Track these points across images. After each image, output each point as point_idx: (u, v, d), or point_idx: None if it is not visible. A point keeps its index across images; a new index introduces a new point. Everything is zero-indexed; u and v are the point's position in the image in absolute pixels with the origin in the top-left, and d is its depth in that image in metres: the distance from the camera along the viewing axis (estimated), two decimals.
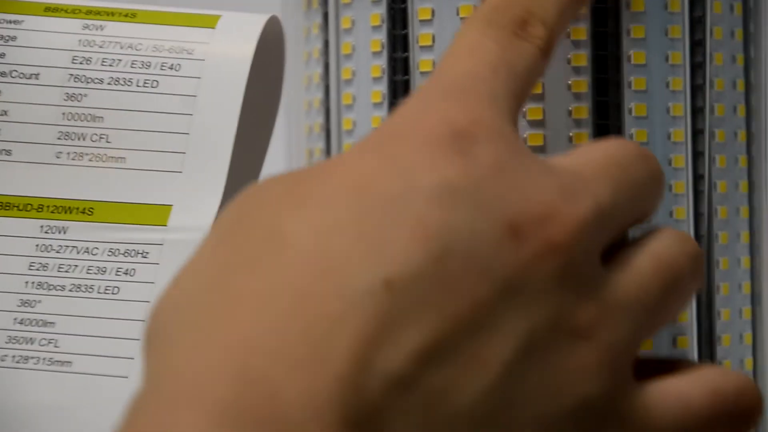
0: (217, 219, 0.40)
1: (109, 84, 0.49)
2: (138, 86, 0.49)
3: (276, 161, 0.56)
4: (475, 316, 0.35)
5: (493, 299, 0.36)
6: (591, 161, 0.40)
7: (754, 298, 0.54)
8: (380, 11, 0.51)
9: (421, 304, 0.35)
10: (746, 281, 0.54)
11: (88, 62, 0.49)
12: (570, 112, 0.49)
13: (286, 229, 0.36)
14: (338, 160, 0.39)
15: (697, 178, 0.52)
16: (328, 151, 0.54)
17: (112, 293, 0.47)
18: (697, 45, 0.51)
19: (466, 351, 0.36)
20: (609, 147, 0.42)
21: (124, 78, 0.49)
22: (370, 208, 0.36)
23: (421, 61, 0.51)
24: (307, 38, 0.55)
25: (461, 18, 0.50)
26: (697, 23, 0.51)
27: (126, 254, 0.48)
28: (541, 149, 0.48)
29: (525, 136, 0.49)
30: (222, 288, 0.36)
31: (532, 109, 0.49)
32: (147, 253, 0.48)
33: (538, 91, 0.49)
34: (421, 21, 0.52)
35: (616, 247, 0.41)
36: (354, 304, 0.35)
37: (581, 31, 0.49)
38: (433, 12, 0.51)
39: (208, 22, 0.50)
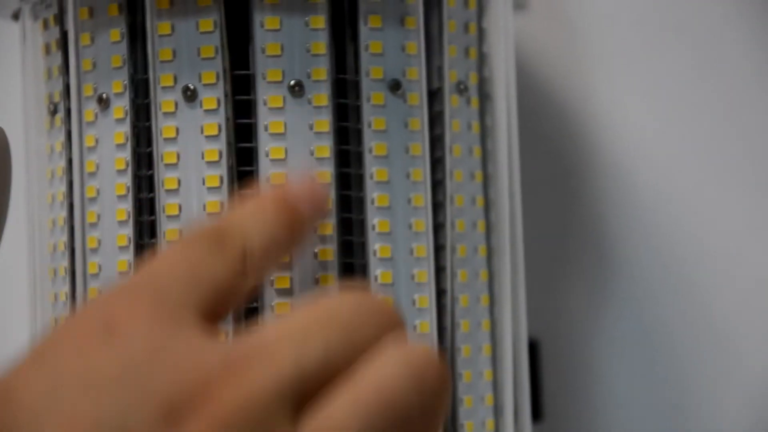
0: None
1: None
2: None
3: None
4: None
5: None
6: (296, 322, 0.39)
7: (497, 410, 0.52)
8: (123, 129, 0.51)
9: None
10: (489, 393, 0.52)
11: None
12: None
13: None
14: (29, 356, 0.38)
15: (440, 292, 0.51)
16: (73, 271, 0.53)
17: None
18: (436, 140, 0.52)
19: None
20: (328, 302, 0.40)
21: None
22: (24, 416, 0.36)
23: (165, 179, 0.50)
24: (50, 156, 0.55)
25: (206, 137, 0.50)
26: (436, 118, 0.52)
27: None
28: None
29: None
30: None
31: None
32: None
33: None
34: (165, 139, 0.50)
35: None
36: None
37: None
38: (177, 130, 0.50)
39: None
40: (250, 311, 0.51)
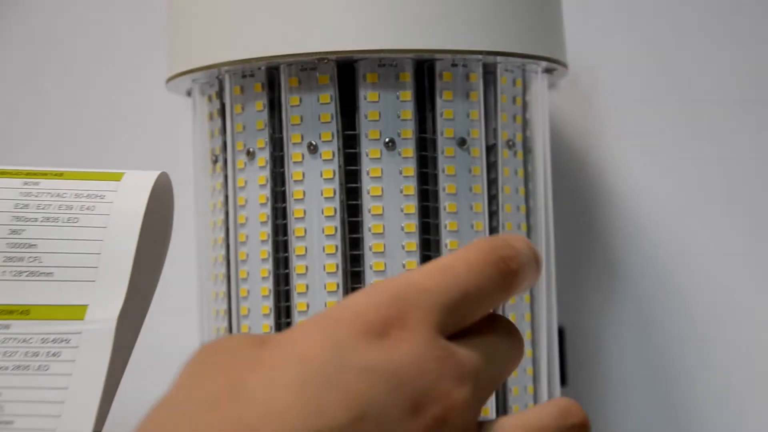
0: (185, 365, 0.40)
1: (41, 221, 0.51)
2: (63, 222, 0.52)
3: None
4: None
5: None
6: (478, 346, 0.41)
7: (535, 378, 0.58)
8: (264, 173, 0.57)
9: None
10: (529, 366, 0.57)
11: (27, 207, 0.52)
12: None
13: (243, 382, 0.37)
14: (289, 334, 0.39)
15: None
16: (229, 275, 0.58)
17: (42, 371, 0.50)
18: (492, 182, 0.57)
19: None
20: (494, 331, 0.42)
21: (53, 217, 0.52)
22: (312, 375, 0.37)
23: (295, 210, 0.55)
24: (212, 193, 0.60)
25: (324, 179, 0.54)
26: (491, 166, 0.57)
27: (54, 341, 0.50)
28: None
29: None
30: (187, 421, 0.37)
31: None
32: (69, 339, 0.50)
33: None
34: (294, 181, 0.55)
35: None
36: None
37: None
38: (303, 174, 0.55)
39: (116, 177, 0.53)
40: (354, 274, 0.56)
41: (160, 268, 0.55)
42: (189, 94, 0.62)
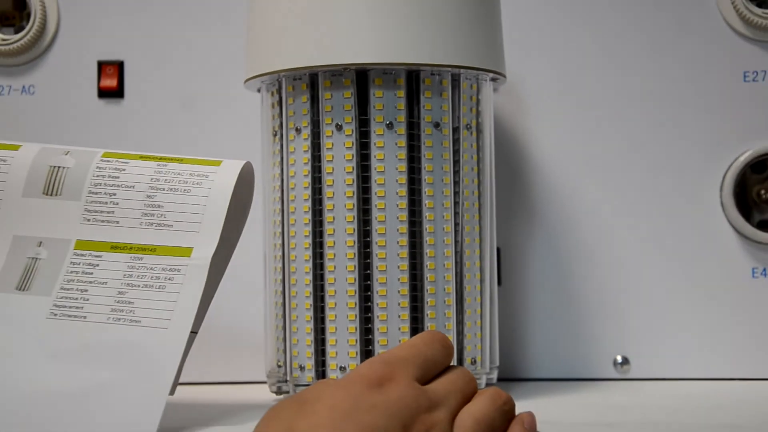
0: (262, 420, 0.44)
1: (167, 191, 0.59)
2: (180, 192, 0.59)
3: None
4: None
5: None
6: (441, 385, 0.47)
7: (482, 281, 0.64)
8: (307, 143, 0.63)
9: None
10: (478, 273, 0.63)
11: (158, 181, 0.59)
12: None
13: (295, 426, 0.42)
14: (321, 393, 0.44)
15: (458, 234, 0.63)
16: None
17: (160, 289, 0.57)
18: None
19: None
20: (451, 375, 0.48)
21: (173, 188, 0.59)
22: (338, 416, 0.42)
23: (326, 172, 0.62)
24: (272, 155, 0.65)
25: (346, 147, 0.61)
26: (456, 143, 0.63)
27: (170, 270, 0.58)
28: None
29: None
30: None
31: None
32: (179, 270, 0.58)
33: None
34: (326, 149, 0.61)
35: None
36: None
37: None
38: (333, 145, 0.62)
39: (216, 163, 0.60)
40: (365, 211, 0.62)
41: (241, 227, 0.61)
42: (258, 90, 0.67)
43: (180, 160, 0.60)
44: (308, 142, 0.63)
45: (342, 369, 0.61)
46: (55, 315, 0.56)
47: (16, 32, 0.76)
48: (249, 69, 0.65)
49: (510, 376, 0.75)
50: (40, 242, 0.58)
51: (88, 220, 0.58)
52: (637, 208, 0.75)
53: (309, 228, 0.63)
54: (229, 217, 0.58)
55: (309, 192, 0.63)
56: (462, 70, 0.63)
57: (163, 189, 0.59)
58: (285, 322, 0.65)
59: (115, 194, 0.59)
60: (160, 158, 0.60)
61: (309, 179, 0.63)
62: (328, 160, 0.62)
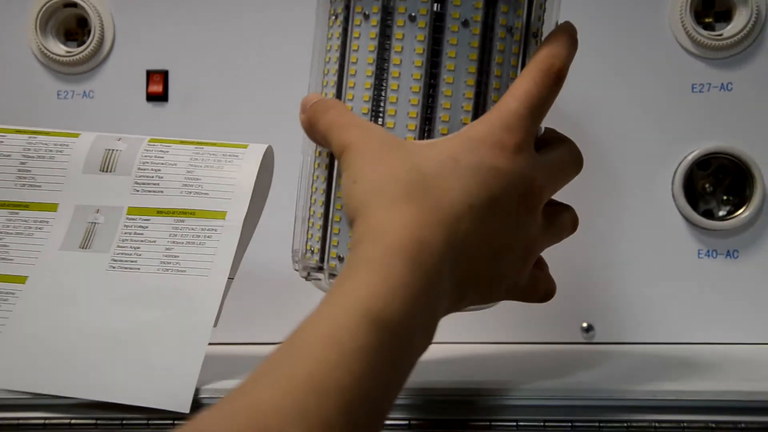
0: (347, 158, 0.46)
1: (204, 167, 0.64)
2: (214, 168, 0.64)
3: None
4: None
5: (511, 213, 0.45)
6: (554, 159, 0.48)
7: None
8: (375, 30, 0.57)
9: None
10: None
11: (197, 160, 0.64)
12: None
13: (421, 166, 0.43)
14: (434, 141, 0.45)
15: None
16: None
17: (200, 245, 0.62)
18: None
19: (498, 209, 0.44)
20: (564, 149, 0.49)
21: (209, 165, 0.64)
22: (462, 168, 0.42)
23: (393, 51, 0.55)
24: (329, 39, 0.59)
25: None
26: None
27: (208, 230, 0.62)
28: None
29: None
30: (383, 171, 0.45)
31: None
32: (215, 230, 0.61)
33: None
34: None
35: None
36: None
37: None
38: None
39: (244, 146, 0.64)
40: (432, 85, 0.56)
41: (266, 195, 0.65)
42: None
43: (213, 144, 0.65)
44: (376, 30, 0.57)
45: None
46: (114, 268, 0.61)
47: (79, 45, 0.81)
48: None
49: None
50: (98, 209, 0.63)
51: (138, 191, 0.63)
52: (601, 199, 0.77)
53: (367, 118, 0.57)
54: (255, 187, 0.63)
55: (372, 81, 0.57)
56: None
57: (201, 166, 0.64)
58: (328, 209, 0.59)
59: (159, 170, 0.64)
60: (198, 143, 0.65)
61: (373, 68, 0.57)
62: (396, 51, 0.56)
